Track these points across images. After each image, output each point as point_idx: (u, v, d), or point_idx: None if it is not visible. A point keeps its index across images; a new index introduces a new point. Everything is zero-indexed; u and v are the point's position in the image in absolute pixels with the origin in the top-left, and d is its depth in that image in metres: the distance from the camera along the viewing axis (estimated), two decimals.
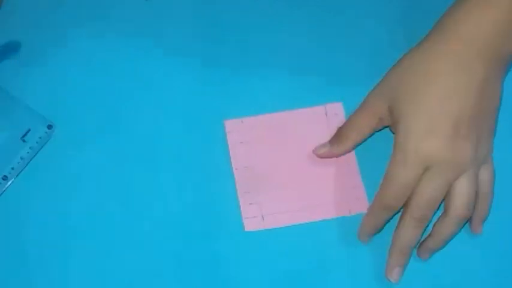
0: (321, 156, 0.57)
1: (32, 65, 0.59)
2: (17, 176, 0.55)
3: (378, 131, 0.56)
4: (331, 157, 0.57)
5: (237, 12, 0.62)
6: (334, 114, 0.59)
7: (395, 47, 0.56)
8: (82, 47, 0.59)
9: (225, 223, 0.55)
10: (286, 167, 0.58)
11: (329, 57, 0.60)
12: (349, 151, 0.57)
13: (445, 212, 0.53)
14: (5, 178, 0.55)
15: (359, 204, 0.56)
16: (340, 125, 0.57)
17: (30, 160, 0.56)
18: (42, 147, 0.56)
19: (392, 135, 0.54)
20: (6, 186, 0.55)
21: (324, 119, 0.60)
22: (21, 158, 0.55)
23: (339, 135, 0.57)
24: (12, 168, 0.55)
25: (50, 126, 0.56)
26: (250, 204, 0.56)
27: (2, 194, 0.55)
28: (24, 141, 0.56)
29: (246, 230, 0.55)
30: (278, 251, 0.54)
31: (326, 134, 0.58)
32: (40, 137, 0.56)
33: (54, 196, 0.55)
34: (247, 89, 0.59)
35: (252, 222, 0.56)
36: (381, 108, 0.55)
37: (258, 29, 0.61)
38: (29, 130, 0.56)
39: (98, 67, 0.59)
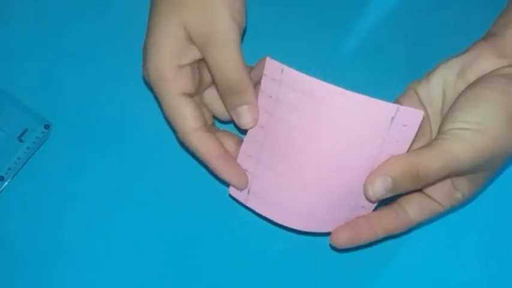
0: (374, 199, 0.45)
1: (28, 64, 0.58)
2: (13, 176, 0.55)
3: None
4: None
5: None
6: (403, 125, 0.42)
7: None
8: (80, 46, 0.59)
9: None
10: (307, 155, 0.46)
11: None
12: None
13: None
14: (1, 179, 0.54)
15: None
16: (403, 146, 0.43)
17: (27, 160, 0.55)
18: (40, 147, 0.56)
19: None
20: (3, 186, 0.54)
21: (385, 124, 0.42)
22: (18, 158, 0.55)
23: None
24: (9, 169, 0.55)
25: (47, 126, 0.56)
26: (244, 170, 0.50)
27: None
28: (21, 141, 0.56)
29: (230, 193, 0.52)
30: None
31: (374, 147, 0.43)
32: (37, 137, 0.56)
33: (52, 197, 0.54)
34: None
35: (236, 190, 0.51)
36: None
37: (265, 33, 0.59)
38: (26, 130, 0.56)
39: (96, 66, 0.58)
